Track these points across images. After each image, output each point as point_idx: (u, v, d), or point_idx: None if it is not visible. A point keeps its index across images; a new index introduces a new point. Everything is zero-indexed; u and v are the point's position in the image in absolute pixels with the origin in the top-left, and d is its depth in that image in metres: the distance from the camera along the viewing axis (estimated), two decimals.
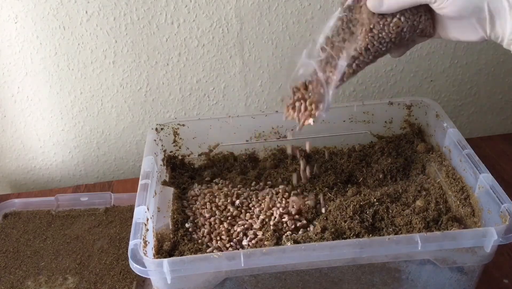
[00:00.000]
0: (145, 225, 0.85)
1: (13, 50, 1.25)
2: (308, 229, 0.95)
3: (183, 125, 1.11)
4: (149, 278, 0.83)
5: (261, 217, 0.96)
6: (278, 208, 0.98)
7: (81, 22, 1.23)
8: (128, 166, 1.44)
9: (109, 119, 1.37)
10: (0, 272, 1.07)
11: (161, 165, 1.07)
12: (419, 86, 1.42)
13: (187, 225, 0.95)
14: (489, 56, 1.39)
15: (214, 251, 0.89)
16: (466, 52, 1.39)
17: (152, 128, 1.09)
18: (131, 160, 1.43)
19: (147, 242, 0.84)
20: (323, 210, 0.98)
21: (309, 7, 1.28)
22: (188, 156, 1.14)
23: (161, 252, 0.89)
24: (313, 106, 0.88)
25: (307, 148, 1.08)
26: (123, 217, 1.19)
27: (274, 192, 1.04)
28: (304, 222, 0.96)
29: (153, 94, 1.34)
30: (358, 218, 0.92)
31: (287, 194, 1.03)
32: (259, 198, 1.02)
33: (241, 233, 0.93)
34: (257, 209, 0.99)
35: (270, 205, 1.00)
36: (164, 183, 1.05)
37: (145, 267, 0.78)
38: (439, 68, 1.40)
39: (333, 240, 0.87)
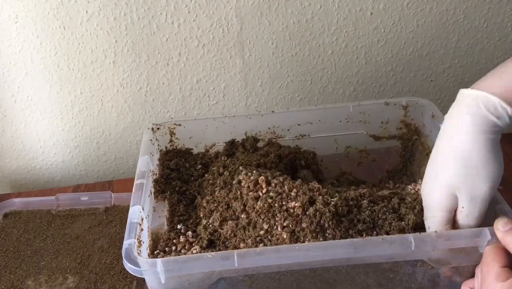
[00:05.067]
0: (140, 224, 0.85)
1: (13, 50, 1.26)
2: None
3: (180, 125, 1.11)
4: None
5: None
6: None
7: (81, 22, 1.24)
8: (128, 165, 1.45)
9: (109, 119, 1.37)
10: (1, 272, 1.07)
11: (157, 165, 1.07)
12: (419, 86, 1.42)
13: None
14: (489, 56, 1.39)
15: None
16: (466, 52, 1.38)
17: (148, 128, 1.09)
18: (131, 160, 1.44)
19: (141, 242, 0.84)
20: None
21: (309, 7, 1.28)
22: None
23: (156, 251, 0.89)
24: None
25: None
26: (123, 216, 1.20)
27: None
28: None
29: (153, 94, 1.35)
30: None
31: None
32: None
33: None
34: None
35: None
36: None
37: (139, 266, 0.78)
38: (439, 68, 1.40)
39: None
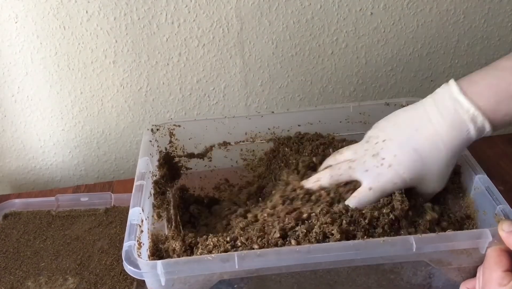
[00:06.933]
0: (140, 226, 0.85)
1: (13, 50, 1.25)
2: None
3: (179, 126, 1.10)
4: None
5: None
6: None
7: (82, 22, 1.24)
8: (128, 165, 1.44)
9: (109, 119, 1.37)
10: (0, 273, 1.07)
11: (156, 166, 1.06)
12: (419, 86, 1.41)
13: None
14: (489, 56, 1.39)
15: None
16: (466, 52, 1.38)
17: (148, 129, 1.09)
18: (131, 160, 1.44)
19: (141, 244, 0.83)
20: None
21: (309, 7, 1.28)
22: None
23: (156, 253, 0.88)
24: None
25: None
26: (123, 217, 1.19)
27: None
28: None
29: (153, 94, 1.34)
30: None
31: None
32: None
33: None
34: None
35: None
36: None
37: (139, 268, 0.78)
38: (439, 68, 1.40)
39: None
